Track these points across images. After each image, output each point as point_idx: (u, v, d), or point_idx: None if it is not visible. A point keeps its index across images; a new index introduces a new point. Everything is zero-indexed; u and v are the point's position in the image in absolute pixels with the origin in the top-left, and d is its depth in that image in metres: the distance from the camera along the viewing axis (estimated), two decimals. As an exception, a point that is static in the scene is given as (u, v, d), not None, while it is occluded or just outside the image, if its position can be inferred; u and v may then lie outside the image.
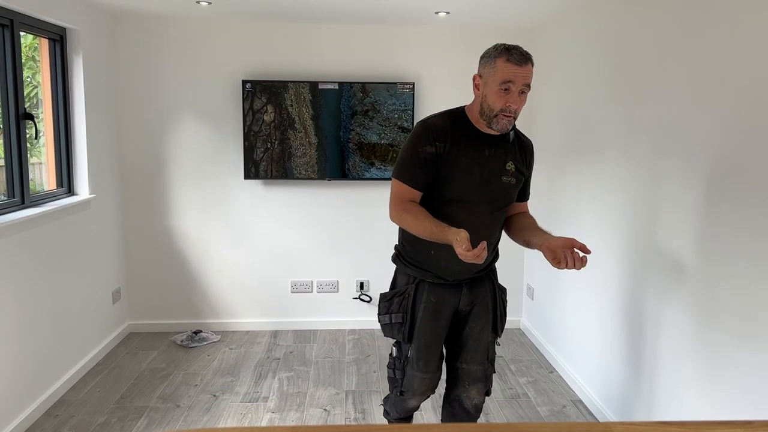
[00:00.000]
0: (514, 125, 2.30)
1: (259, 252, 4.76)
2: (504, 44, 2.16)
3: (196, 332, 4.59)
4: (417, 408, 2.57)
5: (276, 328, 4.82)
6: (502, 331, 2.49)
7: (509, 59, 2.10)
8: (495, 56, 2.14)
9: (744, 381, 2.21)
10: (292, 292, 4.82)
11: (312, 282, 4.82)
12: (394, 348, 2.49)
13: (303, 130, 4.51)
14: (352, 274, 4.82)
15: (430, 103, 4.59)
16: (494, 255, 2.48)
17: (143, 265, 4.69)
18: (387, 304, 2.45)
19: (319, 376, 3.99)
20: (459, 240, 1.97)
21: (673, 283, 2.67)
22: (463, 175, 2.24)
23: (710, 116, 2.41)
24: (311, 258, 4.81)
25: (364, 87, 4.46)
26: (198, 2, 3.87)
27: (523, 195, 2.46)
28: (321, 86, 4.47)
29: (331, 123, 4.51)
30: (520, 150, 2.35)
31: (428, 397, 2.50)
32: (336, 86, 4.48)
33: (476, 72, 2.24)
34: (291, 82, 4.45)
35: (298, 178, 4.56)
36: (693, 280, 2.52)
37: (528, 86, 2.13)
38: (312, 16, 4.25)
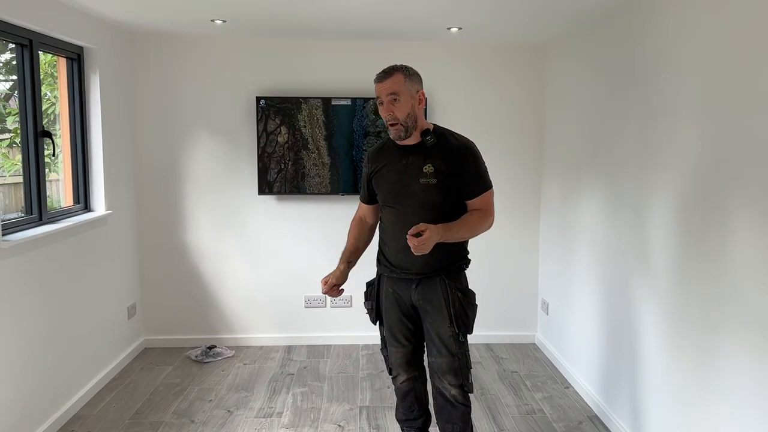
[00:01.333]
0: (443, 130, 2.66)
1: (272, 267, 4.77)
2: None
3: (211, 347, 4.60)
4: (408, 393, 2.85)
5: (290, 344, 4.82)
6: (465, 328, 2.64)
7: (375, 80, 2.57)
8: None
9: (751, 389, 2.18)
10: (305, 307, 4.83)
11: (326, 297, 4.83)
12: (379, 329, 2.90)
13: (316, 150, 4.54)
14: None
15: (442, 118, 4.60)
16: (446, 257, 2.62)
17: (158, 280, 4.71)
18: (367, 292, 2.91)
19: (333, 391, 3.98)
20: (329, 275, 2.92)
21: (690, 299, 2.64)
22: (386, 184, 2.68)
23: (724, 131, 2.40)
24: (325, 273, 4.76)
25: (377, 108, 4.46)
26: (212, 20, 3.92)
27: (467, 192, 2.61)
28: (334, 102, 4.50)
29: (344, 143, 4.55)
30: (444, 152, 2.58)
31: (413, 377, 2.82)
32: (349, 102, 4.50)
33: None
34: (304, 98, 4.49)
35: (311, 193, 4.59)
36: (711, 296, 2.50)
37: (395, 93, 2.50)
38: (324, 33, 4.29)
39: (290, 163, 4.55)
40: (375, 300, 2.84)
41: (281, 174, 4.55)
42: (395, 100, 2.51)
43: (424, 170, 2.57)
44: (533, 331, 4.93)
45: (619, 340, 3.37)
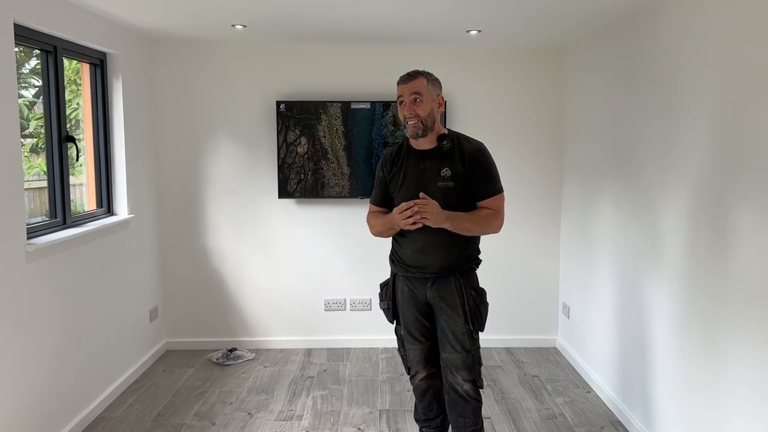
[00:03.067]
0: (458, 135, 2.75)
1: (292, 270, 4.79)
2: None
3: (231, 350, 4.63)
4: (427, 390, 2.89)
5: (310, 347, 4.83)
6: (479, 325, 2.73)
7: (398, 83, 2.69)
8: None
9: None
10: (325, 310, 4.84)
11: (345, 300, 4.83)
12: (396, 330, 2.95)
13: (336, 160, 4.56)
14: (385, 293, 4.81)
15: (462, 121, 4.59)
16: (460, 257, 2.72)
17: (179, 283, 4.75)
18: (381, 294, 2.96)
19: (353, 394, 3.98)
20: (395, 213, 2.62)
21: (715, 302, 2.60)
22: (404, 187, 2.73)
23: (746, 131, 2.36)
24: (344, 276, 4.82)
25: (396, 120, 4.49)
26: (233, 26, 3.95)
27: (480, 192, 2.69)
28: (353, 105, 4.51)
29: (363, 152, 4.57)
30: (460, 155, 2.67)
31: (432, 373, 2.86)
32: (368, 105, 4.51)
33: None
34: (323, 102, 4.51)
35: (330, 197, 4.60)
36: (738, 300, 2.46)
37: (418, 93, 2.60)
38: (344, 37, 4.30)
39: (310, 173, 4.57)
40: (391, 299, 2.89)
41: (301, 184, 4.58)
42: (417, 99, 2.60)
43: (442, 174, 2.66)
44: (554, 335, 4.89)
45: (641, 346, 3.33)
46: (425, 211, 2.52)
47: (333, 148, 4.56)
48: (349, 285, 4.82)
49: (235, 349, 4.65)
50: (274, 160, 4.63)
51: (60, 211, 3.45)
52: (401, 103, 2.65)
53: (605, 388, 3.83)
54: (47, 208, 3.43)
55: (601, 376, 3.93)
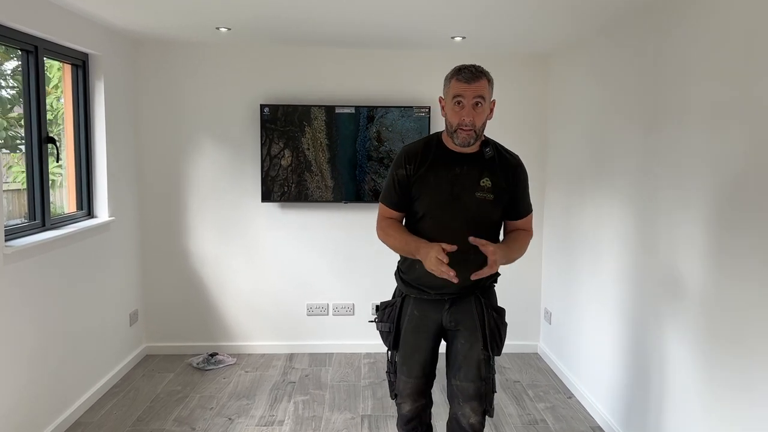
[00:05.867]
0: (495, 143, 2.47)
1: (275, 274, 4.77)
2: (459, 65, 2.35)
3: (212, 355, 4.59)
4: (412, 419, 2.60)
5: (291, 351, 4.81)
6: (497, 351, 2.48)
7: (459, 78, 2.30)
8: (449, 78, 2.35)
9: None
10: (307, 315, 4.82)
11: (328, 305, 4.82)
12: (388, 353, 2.63)
13: (320, 173, 4.55)
14: (367, 297, 4.81)
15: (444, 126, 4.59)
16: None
17: (160, 287, 4.71)
18: (381, 313, 2.63)
19: (335, 400, 3.96)
20: (431, 253, 2.21)
21: (689, 309, 2.63)
22: (432, 193, 2.39)
23: (727, 144, 2.39)
24: (327, 281, 4.81)
25: (380, 135, 4.50)
26: (217, 28, 3.93)
27: (516, 212, 2.50)
28: (338, 110, 4.50)
29: (347, 165, 4.56)
30: (502, 167, 2.43)
31: (420, 405, 2.57)
32: (353, 110, 4.51)
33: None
34: (307, 106, 4.50)
35: (314, 201, 4.59)
36: (709, 307, 2.49)
37: (482, 98, 2.28)
38: (328, 41, 4.30)
39: (293, 185, 4.56)
40: (394, 322, 2.55)
41: (284, 196, 4.57)
42: (479, 104, 2.31)
43: (481, 184, 2.38)
44: (536, 341, 4.91)
45: (622, 350, 3.36)
46: (494, 266, 2.23)
47: (317, 161, 4.55)
48: (332, 290, 4.80)
49: (216, 354, 4.61)
50: (257, 163, 4.61)
51: (39, 213, 3.40)
52: (458, 103, 2.30)
53: (586, 393, 3.85)
54: (26, 210, 3.38)
55: (582, 382, 3.95)
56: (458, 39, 4.10)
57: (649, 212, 3.05)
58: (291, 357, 4.72)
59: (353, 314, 4.82)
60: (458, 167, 2.40)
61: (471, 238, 2.23)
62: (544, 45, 4.29)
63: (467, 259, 2.29)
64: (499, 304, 2.56)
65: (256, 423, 3.62)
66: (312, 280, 4.78)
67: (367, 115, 4.51)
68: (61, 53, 3.60)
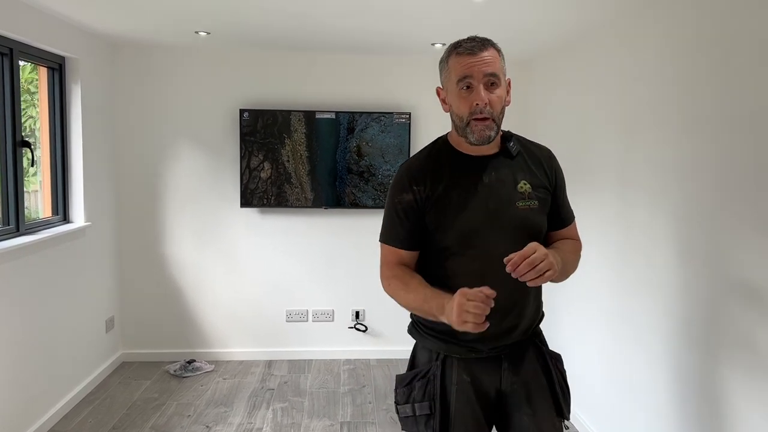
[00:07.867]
0: (513, 135, 1.84)
1: (254, 280, 4.74)
2: (455, 41, 1.76)
3: (190, 362, 4.54)
4: None
5: (270, 358, 4.78)
6: (569, 412, 1.85)
7: (459, 53, 1.70)
8: (446, 57, 1.76)
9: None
10: (287, 321, 4.79)
11: (307, 311, 4.79)
12: None
13: (299, 185, 4.54)
14: (347, 304, 4.80)
15: (426, 133, 4.61)
16: (536, 311, 1.87)
17: (137, 293, 4.65)
18: (406, 390, 1.82)
19: (314, 407, 3.94)
20: (457, 307, 1.52)
21: (670, 315, 2.66)
22: (458, 215, 1.72)
23: (707, 147, 2.43)
24: (306, 287, 4.79)
25: (361, 150, 4.51)
26: (197, 32, 3.91)
27: (559, 219, 1.88)
28: (318, 115, 4.50)
29: (327, 177, 4.55)
30: (534, 163, 1.83)
31: None
32: (333, 115, 4.51)
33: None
34: (287, 111, 4.48)
35: (294, 206, 4.57)
36: (692, 311, 2.52)
37: (495, 75, 1.68)
38: (309, 46, 4.30)
39: (273, 197, 4.54)
40: (438, 399, 1.76)
41: (264, 202, 4.56)
42: (493, 83, 1.69)
43: (520, 189, 1.76)
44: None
45: (608, 359, 3.38)
46: (541, 266, 1.52)
47: (297, 173, 4.53)
48: (311, 296, 4.78)
49: (194, 361, 4.56)
50: (236, 169, 4.59)
51: (13, 218, 3.35)
52: (467, 87, 1.68)
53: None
54: (0, 215, 3.33)
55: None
56: (438, 46, 4.12)
57: (628, 218, 3.08)
58: (270, 364, 4.69)
59: (333, 320, 4.80)
60: (485, 175, 1.76)
61: (505, 259, 1.54)
62: (526, 50, 4.30)
63: (523, 293, 1.76)
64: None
65: (234, 430, 3.59)
66: (291, 286, 4.76)
67: (348, 126, 4.51)
68: (37, 56, 3.55)
